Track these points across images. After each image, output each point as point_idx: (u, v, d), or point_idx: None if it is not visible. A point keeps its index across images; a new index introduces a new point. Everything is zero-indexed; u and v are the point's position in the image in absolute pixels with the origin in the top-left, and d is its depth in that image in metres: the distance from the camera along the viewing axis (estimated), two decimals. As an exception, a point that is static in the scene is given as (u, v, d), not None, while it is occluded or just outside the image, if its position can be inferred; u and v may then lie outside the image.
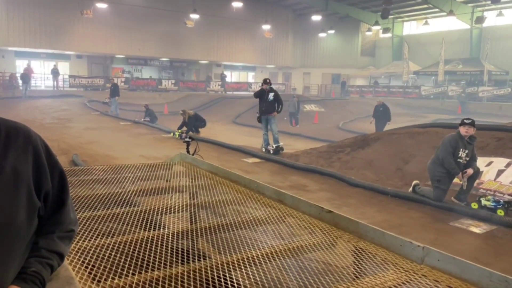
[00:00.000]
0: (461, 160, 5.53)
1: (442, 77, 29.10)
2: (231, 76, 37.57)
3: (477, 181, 5.84)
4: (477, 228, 4.83)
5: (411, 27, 36.20)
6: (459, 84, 28.97)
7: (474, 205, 5.41)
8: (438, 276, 2.05)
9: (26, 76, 23.26)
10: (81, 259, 2.05)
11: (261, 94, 10.03)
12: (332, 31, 35.18)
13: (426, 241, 3.39)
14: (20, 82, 23.54)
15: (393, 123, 14.24)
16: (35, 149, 1.20)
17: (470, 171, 5.51)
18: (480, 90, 26.85)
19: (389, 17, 27.24)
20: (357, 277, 2.08)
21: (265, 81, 10.15)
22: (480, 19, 26.55)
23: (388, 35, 34.01)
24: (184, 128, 12.76)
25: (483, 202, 5.34)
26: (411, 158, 7.34)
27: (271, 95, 9.93)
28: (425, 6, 29.90)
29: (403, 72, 31.43)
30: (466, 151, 5.52)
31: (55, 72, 26.14)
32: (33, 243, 1.21)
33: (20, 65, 26.65)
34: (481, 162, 6.01)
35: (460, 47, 30.20)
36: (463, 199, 5.61)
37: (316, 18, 32.06)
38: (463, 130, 5.52)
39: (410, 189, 6.05)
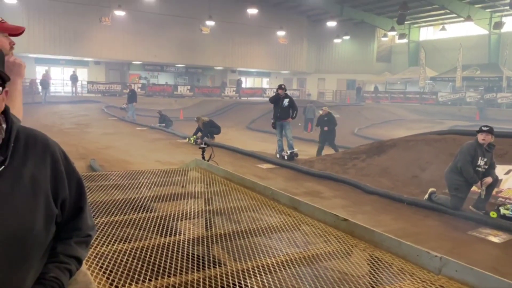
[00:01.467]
0: (480, 169, 5.44)
1: (459, 83, 28.69)
2: (246, 82, 37.73)
3: (495, 189, 5.73)
4: (496, 237, 4.73)
5: (427, 33, 35.83)
6: (477, 90, 28.52)
7: (493, 214, 5.30)
8: (456, 287, 2.02)
9: (46, 82, 23.79)
10: (99, 264, 2.08)
11: (276, 100, 10.06)
12: (347, 37, 34.97)
13: (443, 250, 3.33)
14: (39, 88, 24.08)
15: (409, 129, 14.00)
16: (53, 157, 1.20)
17: (489, 179, 5.42)
18: (499, 96, 26.41)
19: (405, 22, 26.95)
20: (373, 287, 2.07)
21: (280, 87, 10.18)
22: (499, 25, 26.10)
23: (404, 40, 33.67)
24: (199, 134, 12.86)
25: (502, 211, 5.23)
26: (428, 166, 7.25)
27: (286, 101, 9.96)
28: (442, 11, 29.58)
29: (420, 78, 31.08)
30: (485, 159, 5.43)
31: (74, 78, 26.69)
32: (51, 248, 1.22)
33: (40, 72, 27.23)
34: (500, 170, 5.90)
35: (478, 53, 29.73)
36: (481, 208, 5.50)
37: (331, 24, 31.95)
38: (481, 137, 5.43)
39: (426, 196, 5.97)
